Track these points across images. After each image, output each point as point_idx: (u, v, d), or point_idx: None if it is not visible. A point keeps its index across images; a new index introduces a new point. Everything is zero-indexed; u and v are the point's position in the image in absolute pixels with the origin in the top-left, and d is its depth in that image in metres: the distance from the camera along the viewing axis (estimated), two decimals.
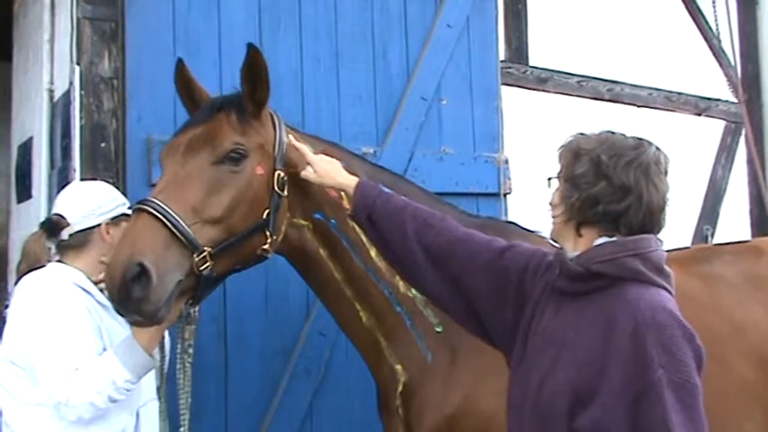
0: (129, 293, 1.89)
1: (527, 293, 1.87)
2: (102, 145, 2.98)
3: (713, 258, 2.69)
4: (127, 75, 3.00)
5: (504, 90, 3.99)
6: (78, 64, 2.98)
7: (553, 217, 1.80)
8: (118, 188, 2.91)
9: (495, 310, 1.92)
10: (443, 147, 3.65)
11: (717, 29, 5.16)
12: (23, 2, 4.03)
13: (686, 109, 5.28)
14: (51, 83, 3.42)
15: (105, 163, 2.97)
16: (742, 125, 5.31)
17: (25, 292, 2.19)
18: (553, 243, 1.86)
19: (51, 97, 3.42)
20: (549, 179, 1.81)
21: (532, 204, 1.82)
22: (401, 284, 2.40)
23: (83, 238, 2.27)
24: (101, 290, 2.26)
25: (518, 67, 4.41)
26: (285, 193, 2.22)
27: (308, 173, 2.22)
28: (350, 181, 2.18)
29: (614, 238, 1.70)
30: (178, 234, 1.97)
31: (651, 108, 5.07)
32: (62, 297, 2.16)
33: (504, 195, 3.76)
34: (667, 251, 1.77)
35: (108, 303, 2.30)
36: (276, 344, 3.21)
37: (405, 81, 3.60)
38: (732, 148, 5.62)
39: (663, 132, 4.97)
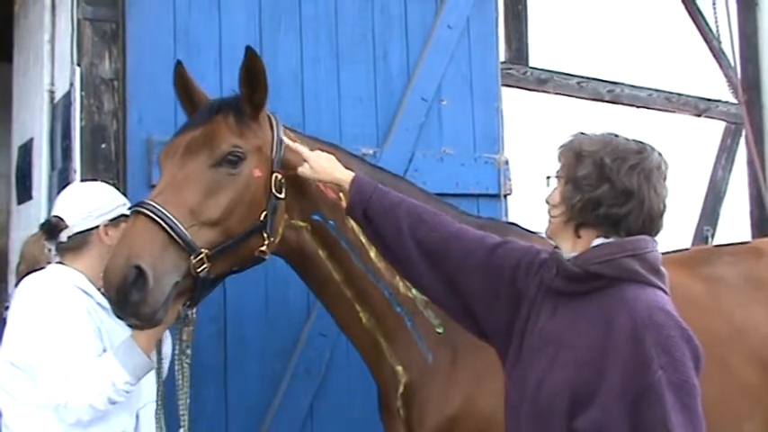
0: (126, 296, 1.90)
1: (520, 292, 1.87)
2: (103, 146, 2.98)
3: (714, 260, 2.68)
4: (127, 76, 3.00)
5: (505, 91, 3.99)
6: (79, 65, 2.98)
7: (552, 216, 1.80)
8: (118, 189, 2.92)
9: (489, 309, 1.93)
10: (444, 147, 3.66)
11: (717, 30, 5.17)
12: (24, 3, 4.03)
13: (686, 110, 5.29)
14: (52, 84, 3.42)
15: (106, 164, 2.97)
16: (742, 126, 5.32)
17: (26, 293, 2.19)
18: (552, 243, 1.86)
19: (52, 98, 3.43)
20: (548, 177, 1.81)
21: (533, 205, 1.82)
22: (401, 285, 2.40)
23: (81, 240, 2.27)
24: (102, 292, 2.26)
25: (518, 68, 4.41)
26: (282, 195, 2.22)
27: (304, 169, 2.23)
28: (346, 176, 2.19)
29: (611, 239, 1.70)
30: (175, 236, 1.98)
31: (651, 109, 5.07)
32: (62, 299, 2.16)
33: (505, 196, 3.76)
34: (668, 252, 1.77)
35: (108, 305, 2.31)
36: (276, 345, 3.21)
37: (405, 82, 3.60)
38: (732, 149, 5.62)
39: (663, 133, 4.98)
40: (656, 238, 1.75)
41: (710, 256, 2.73)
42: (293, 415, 3.20)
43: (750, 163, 5.36)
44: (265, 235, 2.19)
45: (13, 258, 4.16)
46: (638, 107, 5.00)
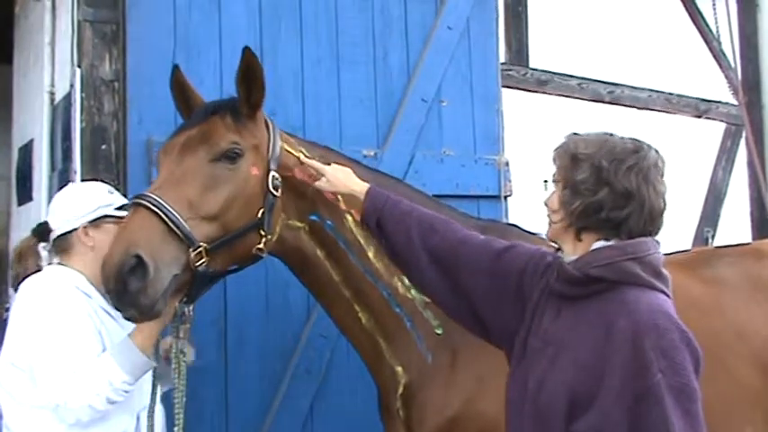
0: (125, 285, 1.90)
1: (526, 295, 1.87)
2: (103, 147, 2.98)
3: (714, 261, 2.68)
4: (128, 77, 3.00)
5: (505, 92, 3.99)
6: (79, 66, 2.98)
7: (552, 221, 1.79)
8: (119, 190, 2.92)
9: (497, 312, 1.92)
10: (444, 149, 3.66)
11: (717, 31, 5.16)
12: (24, 4, 4.03)
13: (686, 111, 5.29)
14: (52, 85, 3.42)
15: (106, 165, 2.97)
16: (742, 127, 5.31)
17: (26, 294, 2.20)
18: (553, 244, 1.86)
19: (52, 100, 3.43)
20: (546, 182, 1.80)
21: (533, 206, 1.81)
22: (400, 285, 2.41)
23: (65, 242, 2.29)
24: (100, 291, 2.27)
25: (518, 69, 4.41)
26: (279, 193, 2.24)
27: (322, 183, 2.27)
28: (361, 188, 2.23)
29: (611, 242, 1.69)
30: (175, 228, 1.99)
31: (651, 110, 5.07)
32: (63, 300, 2.16)
33: (505, 197, 3.76)
34: (668, 254, 1.77)
35: (109, 307, 2.31)
36: (277, 345, 3.21)
37: (405, 83, 3.60)
38: (732, 150, 5.62)
39: (663, 134, 4.97)
40: (658, 238, 1.75)
41: (711, 258, 2.73)
42: (293, 415, 3.20)
43: (750, 164, 5.35)
44: (263, 233, 2.20)
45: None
46: (639, 108, 5.00)
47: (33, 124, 3.67)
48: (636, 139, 1.75)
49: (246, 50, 2.20)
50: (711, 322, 2.41)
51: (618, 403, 1.54)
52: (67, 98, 3.11)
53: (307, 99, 3.37)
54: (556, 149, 1.80)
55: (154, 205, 1.99)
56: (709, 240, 5.37)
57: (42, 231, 2.32)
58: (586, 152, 1.71)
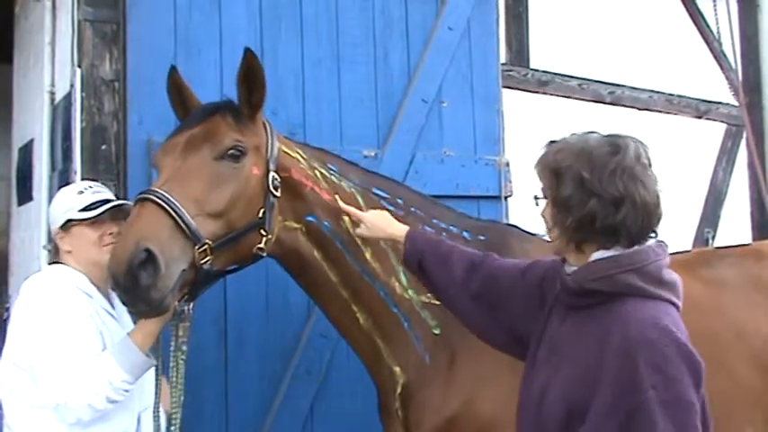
0: (136, 279, 1.89)
1: (546, 302, 1.88)
2: (103, 147, 2.98)
3: (715, 262, 2.68)
4: (128, 77, 3.00)
5: (505, 93, 3.99)
6: (79, 66, 2.98)
7: (551, 238, 1.77)
8: (119, 190, 2.93)
9: (529, 328, 1.92)
10: (444, 149, 3.65)
11: (717, 31, 5.17)
12: (24, 4, 4.03)
13: (687, 112, 5.28)
14: (52, 85, 3.42)
15: (106, 165, 2.97)
16: (743, 128, 5.31)
17: (27, 294, 2.20)
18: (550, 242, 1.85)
19: (52, 99, 3.42)
20: (536, 198, 1.77)
21: (533, 207, 1.81)
22: (397, 286, 2.41)
23: (55, 245, 2.34)
24: (98, 287, 2.28)
25: (519, 69, 4.41)
26: (278, 193, 2.25)
27: (362, 230, 2.32)
28: (401, 231, 2.26)
29: (610, 253, 1.66)
30: (182, 224, 1.99)
31: (652, 111, 5.07)
32: (63, 299, 2.16)
33: (505, 198, 3.75)
34: (669, 255, 1.75)
35: (110, 307, 2.31)
36: (277, 345, 3.20)
37: (406, 83, 3.60)
38: (733, 151, 5.62)
39: (663, 135, 4.98)
40: (662, 238, 1.72)
41: (711, 259, 2.73)
42: (293, 416, 3.20)
43: (751, 165, 5.35)
44: (263, 232, 2.21)
45: (14, 260, 4.16)
46: (639, 109, 5.00)
47: (33, 124, 3.67)
48: (612, 137, 1.70)
49: (248, 52, 2.21)
50: (712, 323, 2.41)
51: (609, 418, 1.53)
52: (68, 98, 3.11)
53: (307, 99, 3.36)
54: (536, 165, 1.77)
55: (162, 200, 1.99)
56: (710, 241, 5.37)
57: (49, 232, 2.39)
58: (565, 164, 1.67)
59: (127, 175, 2.96)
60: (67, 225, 2.27)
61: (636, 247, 1.66)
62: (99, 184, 2.44)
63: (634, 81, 4.95)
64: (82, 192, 2.32)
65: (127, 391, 2.11)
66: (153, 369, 2.21)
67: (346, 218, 2.38)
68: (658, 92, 5.07)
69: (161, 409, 2.26)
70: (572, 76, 4.65)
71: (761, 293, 2.56)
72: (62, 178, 3.17)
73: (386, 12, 3.59)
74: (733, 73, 5.24)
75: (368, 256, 2.39)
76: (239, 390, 3.10)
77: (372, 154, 3.42)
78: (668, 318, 1.59)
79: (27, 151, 3.81)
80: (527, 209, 1.87)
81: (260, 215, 2.20)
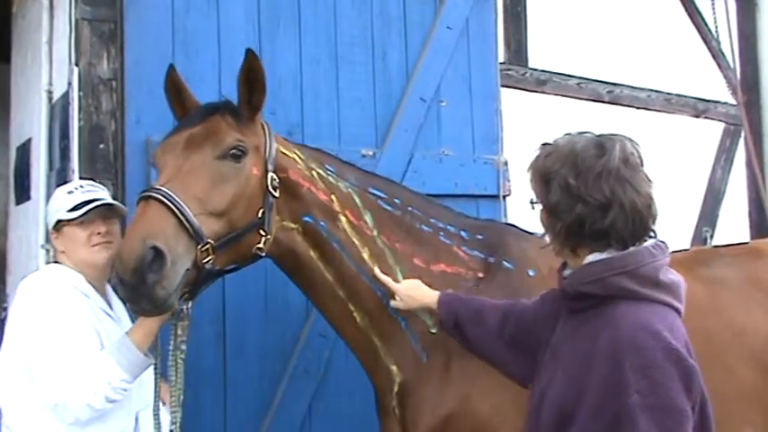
0: (143, 277, 1.88)
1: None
2: (101, 146, 2.97)
3: (713, 261, 2.68)
4: (126, 76, 2.99)
5: (504, 92, 3.99)
6: (77, 65, 2.97)
7: (549, 243, 1.77)
8: (117, 189, 2.92)
9: None
10: (443, 148, 3.65)
11: (716, 31, 5.16)
12: (22, 3, 4.02)
13: (685, 111, 5.28)
14: (50, 84, 3.41)
15: (104, 164, 2.97)
16: (741, 127, 5.31)
17: (24, 293, 2.19)
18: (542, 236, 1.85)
19: (50, 98, 3.42)
20: (532, 202, 1.77)
21: (528, 204, 1.80)
22: None
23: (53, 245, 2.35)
24: (94, 286, 2.28)
25: (517, 68, 4.40)
26: (277, 193, 2.25)
27: (397, 303, 2.35)
28: (432, 296, 2.30)
29: (603, 256, 1.65)
30: (186, 223, 1.99)
31: (650, 110, 5.07)
32: (61, 299, 2.16)
33: (504, 197, 3.76)
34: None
35: (107, 307, 2.30)
36: (276, 345, 3.20)
37: (404, 83, 3.60)
38: (731, 150, 5.62)
39: (662, 134, 4.98)
40: (658, 233, 1.71)
41: (709, 257, 2.73)
42: (292, 415, 3.20)
43: (749, 164, 5.35)
44: (263, 232, 2.21)
45: (12, 259, 4.15)
46: (638, 108, 5.00)
47: (31, 123, 3.66)
48: (601, 138, 1.68)
49: (249, 53, 2.21)
50: (710, 322, 2.40)
51: (597, 420, 1.52)
52: (65, 97, 3.10)
53: (305, 99, 3.36)
54: (528, 168, 1.77)
55: (166, 198, 1.99)
56: (708, 240, 5.37)
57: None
58: (553, 169, 1.67)
59: (125, 175, 2.95)
60: (59, 225, 2.28)
61: (630, 249, 1.64)
62: (92, 184, 2.43)
63: (632, 80, 4.95)
64: (72, 192, 2.32)
65: (125, 390, 2.10)
66: (152, 368, 2.21)
67: (343, 218, 2.39)
68: (657, 91, 5.07)
69: (161, 409, 2.25)
70: (570, 76, 4.65)
71: (759, 292, 2.56)
72: (60, 177, 3.17)
73: (384, 11, 3.58)
74: (731, 72, 5.24)
75: (365, 255, 2.40)
76: (238, 389, 3.10)
77: (371, 153, 3.41)
78: (661, 321, 1.56)
79: (25, 150, 3.80)
80: (525, 208, 1.87)
81: (259, 215, 2.20)
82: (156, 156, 2.23)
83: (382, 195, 2.50)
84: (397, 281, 2.40)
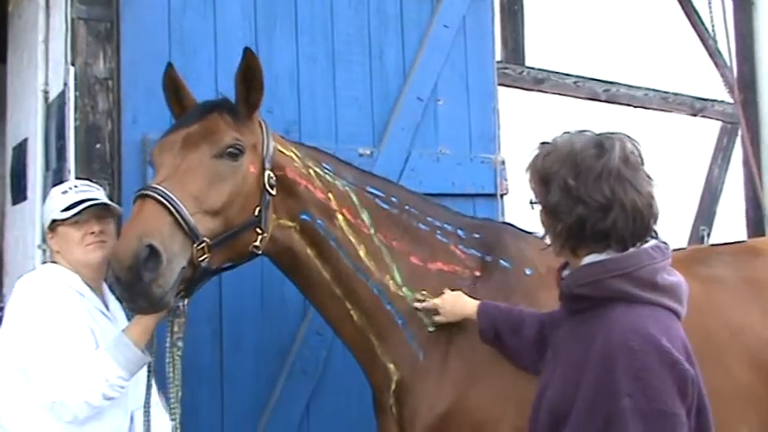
0: (139, 275, 1.88)
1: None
2: (98, 146, 2.97)
3: (710, 259, 2.68)
4: (122, 75, 2.99)
5: (501, 90, 3.99)
6: (73, 65, 2.96)
7: (549, 243, 1.76)
8: (113, 189, 2.91)
9: None
10: (440, 147, 3.65)
11: (713, 29, 5.17)
12: (18, 2, 4.01)
13: (682, 109, 5.29)
14: (46, 84, 3.40)
15: (100, 164, 2.96)
16: (738, 126, 5.32)
17: (20, 293, 2.19)
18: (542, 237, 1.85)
19: (46, 98, 3.41)
20: (532, 203, 1.76)
21: (529, 207, 1.80)
22: (391, 283, 2.42)
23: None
24: (90, 286, 2.27)
25: (514, 67, 4.40)
26: (274, 192, 2.25)
27: (440, 318, 2.36)
28: (472, 308, 2.31)
29: (602, 257, 1.64)
30: (182, 222, 1.99)
31: (647, 108, 5.07)
32: (55, 298, 2.15)
33: (501, 196, 3.76)
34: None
35: (102, 306, 2.30)
36: (273, 344, 3.20)
37: (401, 81, 3.59)
38: (728, 148, 5.62)
39: (659, 133, 4.98)
40: (659, 233, 1.70)
41: (706, 256, 2.73)
42: (289, 414, 3.19)
43: (746, 163, 5.36)
44: (259, 231, 2.21)
45: (8, 259, 4.14)
46: (635, 107, 5.00)
47: (27, 123, 3.66)
48: (600, 138, 1.66)
49: (248, 51, 2.22)
50: (706, 321, 2.40)
51: (588, 423, 1.52)
52: (61, 97, 3.10)
53: (302, 97, 3.36)
54: (527, 168, 1.75)
55: (162, 197, 1.99)
56: (705, 239, 5.38)
57: None
58: (552, 170, 1.65)
59: (121, 174, 2.95)
60: (53, 225, 2.27)
61: (628, 251, 1.63)
62: (87, 183, 2.43)
63: (630, 79, 4.95)
64: (66, 192, 2.32)
65: (122, 387, 2.10)
66: (146, 367, 2.20)
67: (340, 216, 2.39)
68: (654, 90, 5.07)
69: (158, 405, 2.25)
70: (567, 74, 4.65)
71: (756, 291, 2.55)
72: (56, 177, 3.16)
73: (381, 9, 3.58)
74: (728, 71, 5.25)
75: (362, 254, 2.40)
76: (235, 387, 3.10)
77: (368, 152, 3.41)
78: (657, 325, 1.55)
79: (21, 150, 3.80)
80: (523, 207, 1.87)
81: (256, 213, 2.20)
82: (154, 154, 2.23)
83: (379, 194, 2.50)
84: (394, 279, 2.40)
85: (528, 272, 2.47)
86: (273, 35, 3.32)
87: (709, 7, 5.03)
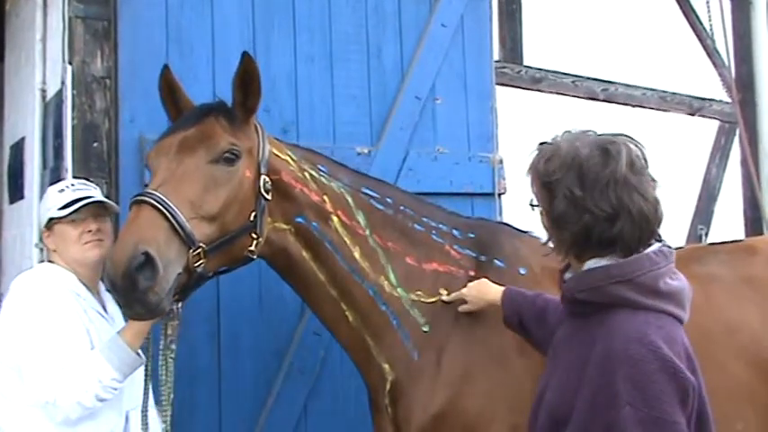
0: (134, 282, 1.89)
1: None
2: (95, 145, 2.96)
3: (708, 258, 2.68)
4: (119, 74, 2.98)
5: (499, 90, 3.98)
6: (70, 63, 2.96)
7: (551, 248, 1.75)
8: (110, 187, 2.91)
9: None
10: (438, 146, 3.65)
11: (711, 29, 5.16)
12: (15, 1, 4.00)
13: (680, 109, 5.29)
14: (43, 82, 3.39)
15: (98, 163, 2.95)
16: (736, 125, 5.32)
17: (16, 292, 2.19)
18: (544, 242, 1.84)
19: (43, 97, 3.40)
20: (532, 205, 1.75)
21: (527, 205, 1.79)
22: (386, 284, 2.42)
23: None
24: (87, 285, 2.27)
25: (512, 66, 4.40)
26: (270, 196, 2.25)
27: (466, 307, 2.37)
28: (496, 293, 2.31)
29: (604, 262, 1.63)
30: (178, 228, 1.99)
31: (645, 108, 5.07)
32: (51, 298, 2.15)
33: (499, 195, 3.75)
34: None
35: (99, 307, 2.30)
36: (270, 344, 3.19)
37: (399, 80, 3.59)
38: (726, 148, 5.63)
39: (657, 132, 4.98)
40: (662, 236, 1.69)
41: (705, 255, 2.73)
42: (287, 414, 3.19)
43: (744, 162, 5.36)
44: (254, 235, 2.22)
45: (6, 258, 4.13)
46: (633, 106, 5.00)
47: (25, 122, 3.65)
48: (604, 142, 1.63)
49: (246, 56, 2.22)
50: (702, 319, 2.40)
51: (588, 431, 1.52)
52: (59, 95, 3.09)
53: (300, 97, 3.35)
54: (527, 170, 1.73)
55: (158, 203, 1.99)
56: (703, 238, 5.38)
57: None
58: (556, 177, 1.63)
59: (118, 173, 2.94)
60: (50, 224, 2.27)
61: (632, 256, 1.62)
62: (83, 182, 2.43)
63: (628, 78, 4.95)
64: (63, 190, 2.32)
65: (115, 389, 2.10)
66: (142, 368, 2.20)
67: (335, 218, 2.39)
68: (652, 89, 5.07)
69: (152, 407, 2.25)
70: (565, 74, 4.64)
71: (752, 289, 2.56)
72: (53, 176, 3.15)
73: (379, 8, 3.58)
74: (726, 70, 5.25)
75: (357, 255, 2.40)
76: (232, 388, 3.09)
77: (366, 151, 3.41)
78: (658, 332, 1.54)
79: (18, 149, 3.79)
80: (521, 206, 1.86)
81: (251, 218, 2.20)
82: (150, 157, 2.23)
83: (374, 195, 2.50)
84: (389, 280, 2.40)
85: (522, 271, 2.48)
86: (271, 33, 3.31)
87: (708, 7, 5.02)
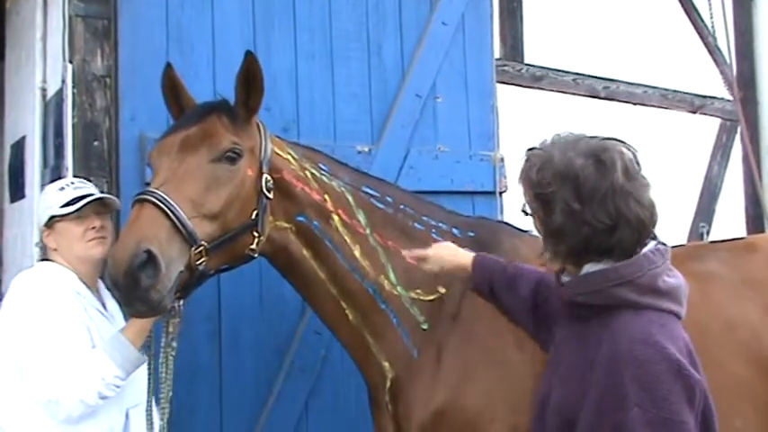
0: (136, 280, 1.89)
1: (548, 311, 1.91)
2: (95, 143, 2.96)
3: (708, 256, 2.67)
4: (120, 72, 2.98)
5: (500, 88, 3.98)
6: (71, 62, 2.96)
7: (546, 253, 1.74)
8: (111, 186, 2.91)
9: None
10: (439, 145, 3.64)
11: (712, 26, 5.15)
12: (15, 0, 4.00)
13: (681, 107, 5.29)
14: (44, 81, 3.39)
15: (98, 161, 2.95)
16: (737, 123, 5.31)
17: (15, 291, 2.19)
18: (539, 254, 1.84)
19: (44, 96, 3.40)
20: (525, 212, 1.74)
21: (520, 211, 1.78)
22: (386, 283, 2.42)
23: (43, 243, 2.35)
24: (86, 284, 2.26)
25: (513, 64, 4.40)
26: (271, 195, 2.26)
27: (431, 265, 2.32)
28: (467, 259, 2.28)
29: (601, 265, 1.63)
30: (180, 226, 1.99)
31: (647, 106, 5.07)
32: (51, 296, 2.15)
33: (500, 194, 3.75)
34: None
35: (99, 305, 2.30)
36: (271, 342, 3.20)
37: (400, 78, 3.58)
38: (727, 145, 5.62)
39: (658, 130, 4.98)
40: (657, 234, 1.69)
41: (705, 253, 2.72)
42: (288, 413, 3.19)
43: (745, 160, 5.36)
44: (256, 233, 2.22)
45: (7, 257, 4.14)
46: (634, 104, 4.99)
47: (25, 121, 3.65)
48: (596, 149, 1.61)
49: (249, 55, 2.22)
50: (701, 316, 2.40)
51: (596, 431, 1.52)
52: (59, 94, 3.09)
53: (301, 95, 3.35)
54: (519, 178, 1.72)
55: (160, 201, 2.00)
56: (705, 236, 5.38)
57: None
58: (551, 190, 1.62)
59: (119, 172, 2.94)
60: (51, 222, 2.27)
61: (632, 258, 1.62)
62: (82, 180, 2.44)
63: (629, 76, 4.94)
64: (63, 188, 2.32)
65: (118, 386, 2.10)
66: (144, 365, 2.21)
67: (336, 217, 2.39)
68: (653, 87, 5.07)
69: (152, 406, 2.25)
70: (566, 72, 4.64)
71: (751, 287, 2.55)
72: (54, 175, 3.15)
73: (379, 6, 3.57)
74: (727, 68, 5.24)
75: (357, 254, 2.41)
76: (233, 387, 3.09)
77: (366, 149, 3.41)
78: (662, 331, 1.55)
79: (19, 148, 3.79)
80: (522, 204, 1.86)
81: (253, 217, 2.20)
82: (152, 156, 2.23)
83: (375, 194, 2.51)
84: (388, 279, 2.40)
85: None
86: (271, 31, 3.31)
87: (709, 4, 5.02)
